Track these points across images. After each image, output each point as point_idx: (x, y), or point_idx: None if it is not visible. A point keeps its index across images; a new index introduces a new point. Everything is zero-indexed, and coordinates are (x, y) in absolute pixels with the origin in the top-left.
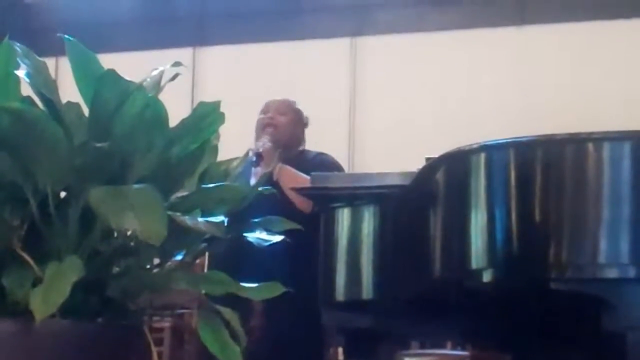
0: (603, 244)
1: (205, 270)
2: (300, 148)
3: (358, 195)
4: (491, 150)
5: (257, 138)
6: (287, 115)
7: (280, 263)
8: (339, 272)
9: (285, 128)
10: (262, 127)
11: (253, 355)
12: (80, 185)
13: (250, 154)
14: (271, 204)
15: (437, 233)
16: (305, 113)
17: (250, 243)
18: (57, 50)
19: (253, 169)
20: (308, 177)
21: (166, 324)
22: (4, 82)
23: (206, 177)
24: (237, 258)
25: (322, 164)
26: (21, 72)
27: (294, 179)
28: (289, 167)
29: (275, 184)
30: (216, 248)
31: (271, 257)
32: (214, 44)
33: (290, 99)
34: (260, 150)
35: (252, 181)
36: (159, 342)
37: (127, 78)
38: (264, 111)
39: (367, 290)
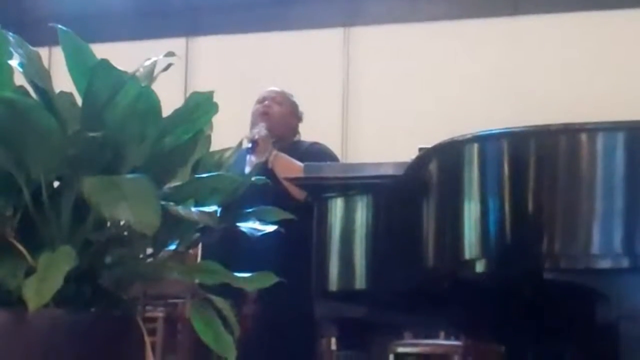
0: (596, 235)
1: (199, 260)
2: (295, 139)
3: (351, 185)
4: (484, 140)
5: (253, 126)
6: (284, 106)
7: (275, 252)
8: (331, 262)
9: (280, 117)
10: (258, 115)
11: (245, 343)
12: (73, 174)
13: (246, 141)
14: (266, 192)
15: (430, 223)
16: (299, 103)
17: (244, 232)
18: (50, 41)
19: (248, 157)
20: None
21: (159, 313)
22: None
23: (199, 167)
24: (232, 247)
25: (318, 153)
26: (14, 62)
27: (289, 167)
28: (284, 155)
29: (270, 172)
30: (209, 238)
31: (266, 246)
32: (207, 34)
33: (287, 90)
34: (256, 137)
35: (247, 170)
36: (152, 332)
37: (120, 68)
38: (261, 100)
39: (360, 281)
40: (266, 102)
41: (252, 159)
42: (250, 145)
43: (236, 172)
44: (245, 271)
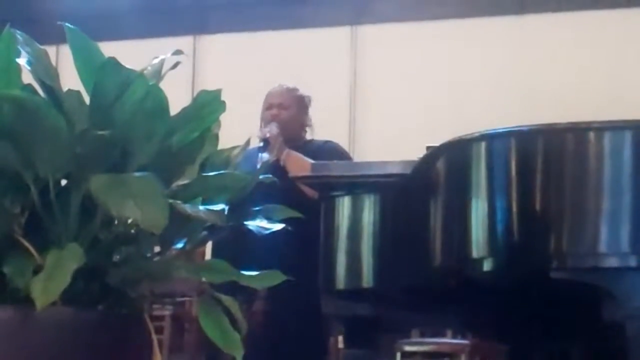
0: (603, 233)
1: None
2: (306, 133)
3: (358, 183)
4: (492, 139)
5: (264, 127)
6: (291, 108)
7: (289, 250)
8: (339, 261)
9: (290, 120)
10: (267, 123)
11: (256, 339)
12: (81, 173)
13: (258, 139)
14: (278, 190)
15: (438, 222)
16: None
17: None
18: (57, 39)
19: (259, 156)
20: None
21: (166, 312)
22: (5, 70)
23: (207, 166)
24: (242, 246)
25: (330, 151)
26: (22, 60)
27: (301, 164)
28: (296, 153)
29: (282, 170)
30: (217, 236)
31: (279, 244)
32: (214, 33)
33: (290, 85)
34: (268, 135)
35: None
36: (159, 330)
37: (128, 66)
38: (267, 106)
39: (367, 279)
40: (273, 111)
41: (263, 157)
42: (262, 143)
43: (247, 170)
44: (256, 269)
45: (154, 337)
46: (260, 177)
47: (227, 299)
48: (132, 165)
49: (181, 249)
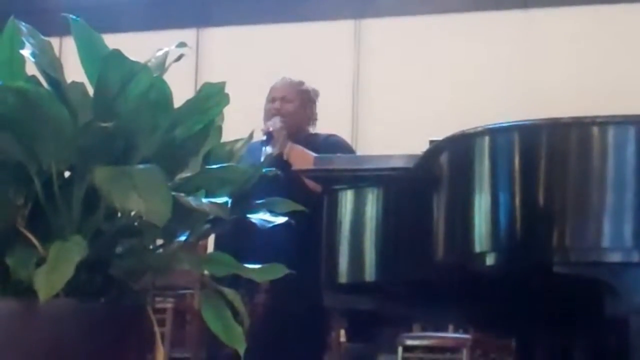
0: (606, 228)
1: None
2: (312, 126)
3: (361, 177)
4: (495, 133)
5: (267, 120)
6: (295, 102)
7: (291, 243)
8: (341, 254)
9: (294, 114)
10: (271, 116)
11: (256, 332)
12: (84, 165)
13: (262, 133)
14: (281, 183)
15: (441, 216)
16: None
17: (256, 224)
18: (61, 30)
19: (263, 149)
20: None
21: (168, 304)
22: (9, 61)
23: (210, 158)
24: (244, 239)
25: (334, 145)
26: (26, 52)
27: (304, 158)
28: (299, 147)
29: (286, 164)
30: (220, 229)
31: (281, 237)
32: (218, 25)
33: (295, 79)
34: (271, 129)
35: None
36: (161, 323)
37: (131, 59)
38: (271, 99)
39: (369, 273)
40: (277, 104)
41: (267, 150)
42: (265, 137)
43: (250, 163)
44: (258, 262)
45: (157, 329)
46: (264, 170)
47: (229, 292)
48: (135, 157)
49: (184, 241)
